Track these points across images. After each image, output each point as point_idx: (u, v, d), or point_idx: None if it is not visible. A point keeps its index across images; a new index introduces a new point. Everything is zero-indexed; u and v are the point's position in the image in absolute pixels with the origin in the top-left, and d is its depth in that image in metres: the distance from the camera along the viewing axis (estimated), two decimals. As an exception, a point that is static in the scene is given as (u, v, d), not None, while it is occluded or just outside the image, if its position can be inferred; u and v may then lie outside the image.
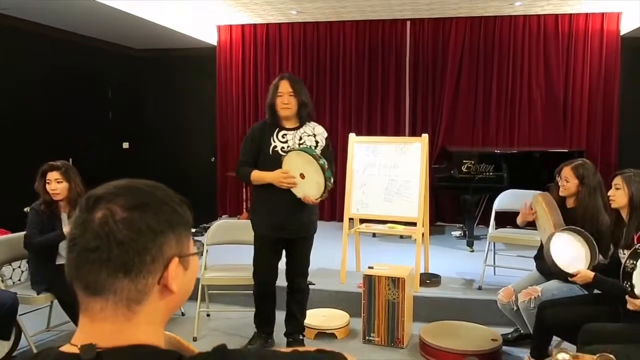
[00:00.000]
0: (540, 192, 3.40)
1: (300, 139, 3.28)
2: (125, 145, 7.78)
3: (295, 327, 3.54)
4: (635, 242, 2.71)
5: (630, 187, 2.83)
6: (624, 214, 2.89)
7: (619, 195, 2.87)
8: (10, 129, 5.62)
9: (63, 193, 3.46)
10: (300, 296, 3.52)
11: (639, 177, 2.85)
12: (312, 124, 3.36)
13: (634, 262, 2.50)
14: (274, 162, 3.22)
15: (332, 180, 3.14)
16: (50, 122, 6.16)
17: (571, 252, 2.98)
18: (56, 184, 3.43)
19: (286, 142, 3.27)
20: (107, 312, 0.82)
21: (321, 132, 3.35)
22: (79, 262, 0.81)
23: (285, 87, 3.23)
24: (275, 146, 3.27)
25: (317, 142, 3.29)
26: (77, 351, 0.80)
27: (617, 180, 2.89)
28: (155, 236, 0.82)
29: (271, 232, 3.33)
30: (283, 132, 3.30)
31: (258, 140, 3.30)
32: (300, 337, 3.53)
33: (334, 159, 3.39)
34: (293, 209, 3.24)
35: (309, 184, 3.16)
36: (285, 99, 3.22)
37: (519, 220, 3.57)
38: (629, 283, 2.46)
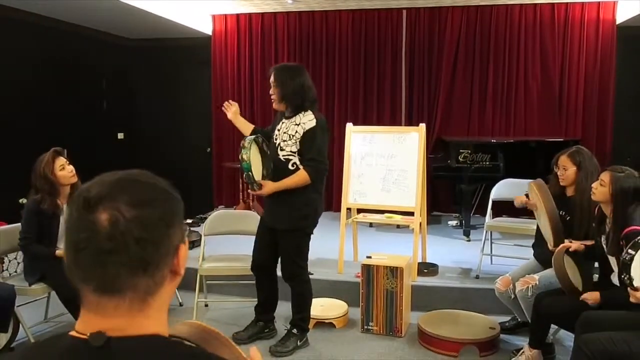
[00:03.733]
0: (534, 180, 3.40)
1: (287, 127, 3.32)
2: (120, 135, 7.74)
3: (292, 320, 3.55)
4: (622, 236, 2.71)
5: (615, 187, 2.75)
6: (606, 209, 2.88)
7: (600, 192, 2.83)
8: (4, 120, 5.57)
9: (75, 176, 3.43)
10: (292, 291, 3.50)
11: (630, 180, 2.76)
12: (306, 113, 3.29)
13: (633, 252, 2.50)
14: (275, 149, 3.33)
15: (250, 175, 3.14)
16: (44, 113, 6.12)
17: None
18: (70, 167, 3.40)
19: (279, 130, 3.35)
20: (122, 310, 0.82)
21: (306, 122, 3.25)
22: (90, 264, 0.80)
23: (271, 78, 3.32)
24: (274, 134, 3.39)
25: (296, 131, 3.26)
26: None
27: (605, 177, 2.81)
28: (167, 229, 0.84)
29: (262, 217, 3.53)
30: (282, 120, 3.38)
31: (271, 129, 3.48)
32: (294, 331, 3.49)
33: (327, 145, 3.37)
34: (272, 199, 3.33)
35: None
36: (271, 90, 3.32)
37: (516, 202, 3.60)
38: (627, 275, 2.45)
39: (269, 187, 3.22)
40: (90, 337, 0.79)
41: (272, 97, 3.31)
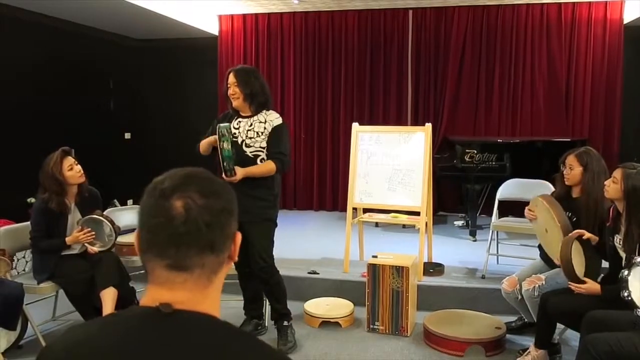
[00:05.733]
0: (540, 195, 3.37)
1: (251, 125, 3.41)
2: (127, 135, 7.77)
3: (276, 314, 3.57)
4: None
5: (627, 184, 2.76)
6: (619, 206, 2.88)
7: (613, 189, 2.84)
8: (11, 120, 5.61)
9: (83, 176, 3.46)
10: (269, 283, 3.51)
11: None
12: (269, 112, 3.46)
13: (629, 270, 2.55)
14: (238, 146, 3.38)
15: (228, 163, 3.20)
16: (51, 113, 6.15)
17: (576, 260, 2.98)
18: (78, 167, 3.43)
19: (238, 128, 3.43)
20: (188, 284, 0.94)
21: (272, 119, 3.42)
22: (165, 244, 0.93)
23: (231, 79, 3.42)
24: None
25: (265, 128, 3.39)
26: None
27: (617, 174, 2.83)
28: (230, 216, 0.99)
29: None
30: (239, 119, 3.47)
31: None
32: (285, 323, 3.53)
33: (288, 143, 3.50)
34: (237, 193, 3.28)
35: None
36: (232, 90, 3.41)
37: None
38: (627, 291, 2.51)
39: (241, 172, 3.27)
40: (160, 305, 0.90)
41: (234, 96, 3.40)
